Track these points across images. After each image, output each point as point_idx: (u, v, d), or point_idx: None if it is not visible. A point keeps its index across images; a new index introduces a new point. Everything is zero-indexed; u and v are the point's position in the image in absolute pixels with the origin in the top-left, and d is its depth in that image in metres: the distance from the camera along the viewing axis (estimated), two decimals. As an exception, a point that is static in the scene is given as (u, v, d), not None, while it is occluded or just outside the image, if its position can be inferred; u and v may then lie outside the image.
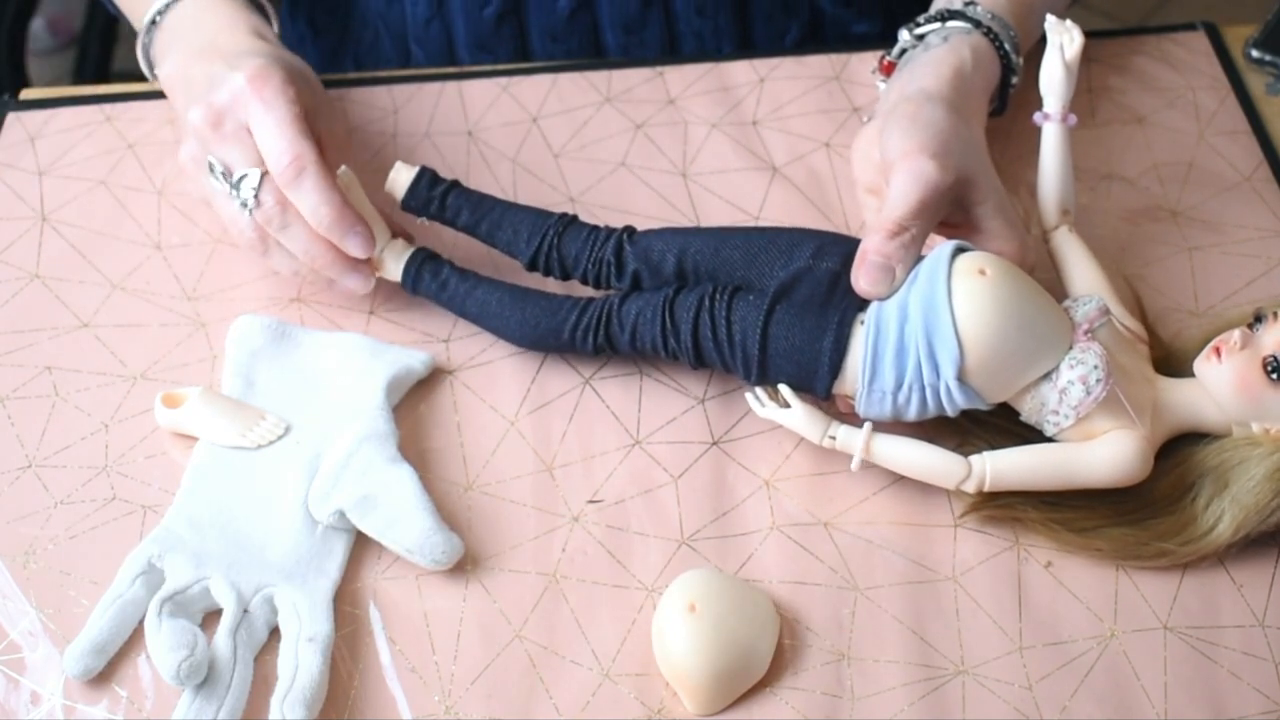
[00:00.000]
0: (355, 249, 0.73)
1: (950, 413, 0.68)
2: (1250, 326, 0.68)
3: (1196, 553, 0.67)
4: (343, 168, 0.73)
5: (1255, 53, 0.92)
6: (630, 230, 0.75)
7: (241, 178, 0.73)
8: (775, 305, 0.69)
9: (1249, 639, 0.66)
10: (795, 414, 0.70)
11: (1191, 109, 0.90)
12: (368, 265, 0.75)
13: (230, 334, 0.75)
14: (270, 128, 0.72)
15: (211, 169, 0.74)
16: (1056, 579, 0.68)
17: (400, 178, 0.76)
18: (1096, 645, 0.66)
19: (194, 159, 0.75)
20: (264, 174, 0.72)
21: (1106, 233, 0.83)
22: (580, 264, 0.75)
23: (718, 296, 0.71)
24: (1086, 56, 0.91)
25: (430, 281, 0.75)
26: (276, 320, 0.76)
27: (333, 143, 0.77)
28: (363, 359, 0.74)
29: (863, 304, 0.69)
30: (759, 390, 0.71)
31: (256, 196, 0.72)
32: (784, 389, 0.70)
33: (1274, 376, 0.67)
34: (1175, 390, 0.70)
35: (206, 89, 0.74)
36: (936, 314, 0.66)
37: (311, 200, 0.71)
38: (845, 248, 0.71)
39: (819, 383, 0.69)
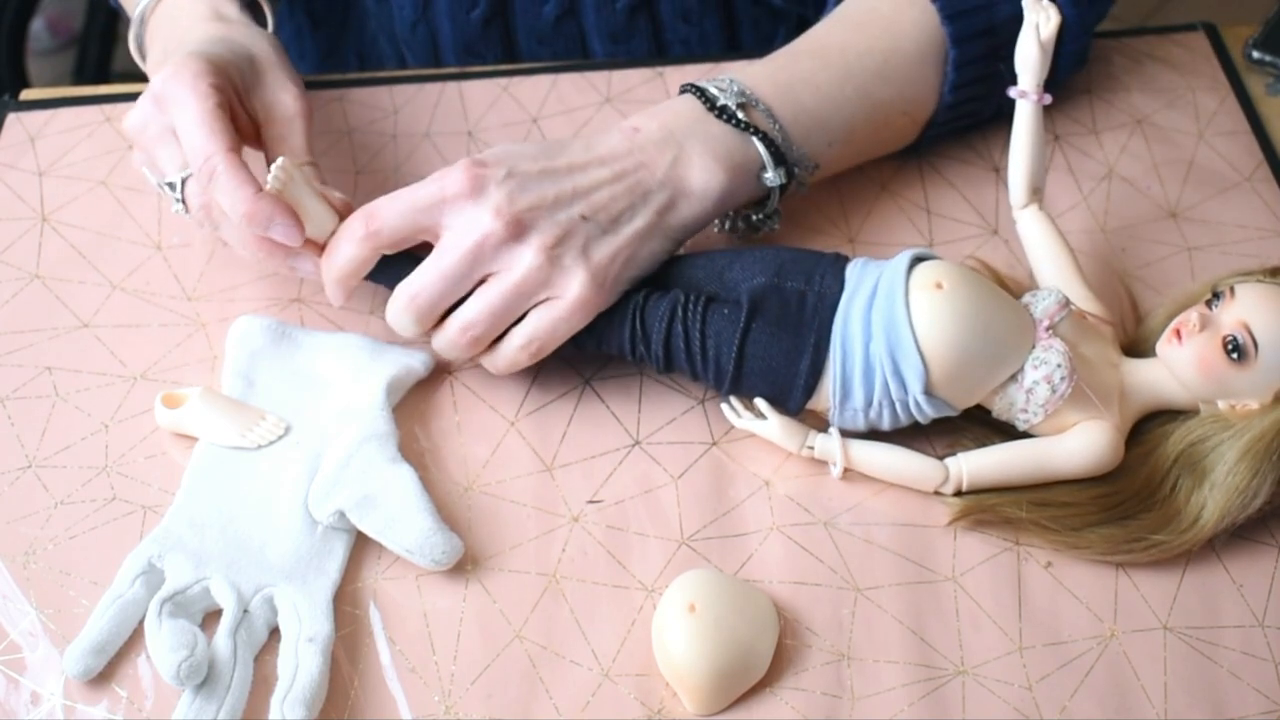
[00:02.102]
0: (281, 237, 0.70)
1: (922, 422, 0.70)
2: (1208, 304, 0.69)
3: (1186, 544, 0.67)
4: (279, 160, 0.70)
5: (1255, 53, 0.92)
6: None
7: (170, 183, 0.73)
8: (751, 322, 0.69)
9: (1249, 639, 0.66)
10: (771, 425, 0.70)
11: (1191, 109, 0.90)
12: (313, 250, 0.72)
13: (231, 334, 0.75)
14: (185, 127, 0.71)
15: (149, 175, 0.75)
16: (1056, 579, 0.68)
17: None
18: (1096, 645, 0.66)
19: (139, 164, 0.76)
20: (185, 178, 0.72)
21: (1106, 233, 0.83)
22: None
23: (691, 305, 0.70)
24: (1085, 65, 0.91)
25: (380, 269, 0.72)
26: (277, 321, 0.76)
27: (277, 115, 0.76)
28: (363, 359, 0.74)
29: (832, 323, 0.69)
30: (734, 400, 0.72)
31: (183, 201, 0.73)
32: (760, 402, 0.71)
33: (1234, 356, 0.67)
34: (1140, 372, 0.71)
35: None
36: (897, 332, 0.67)
37: (226, 199, 0.70)
38: (807, 266, 0.71)
39: (792, 403, 0.70)
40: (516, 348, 0.71)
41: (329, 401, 0.73)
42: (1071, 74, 0.89)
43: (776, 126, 0.76)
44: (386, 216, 0.70)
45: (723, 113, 0.75)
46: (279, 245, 0.72)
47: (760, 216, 0.79)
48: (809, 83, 0.78)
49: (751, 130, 0.75)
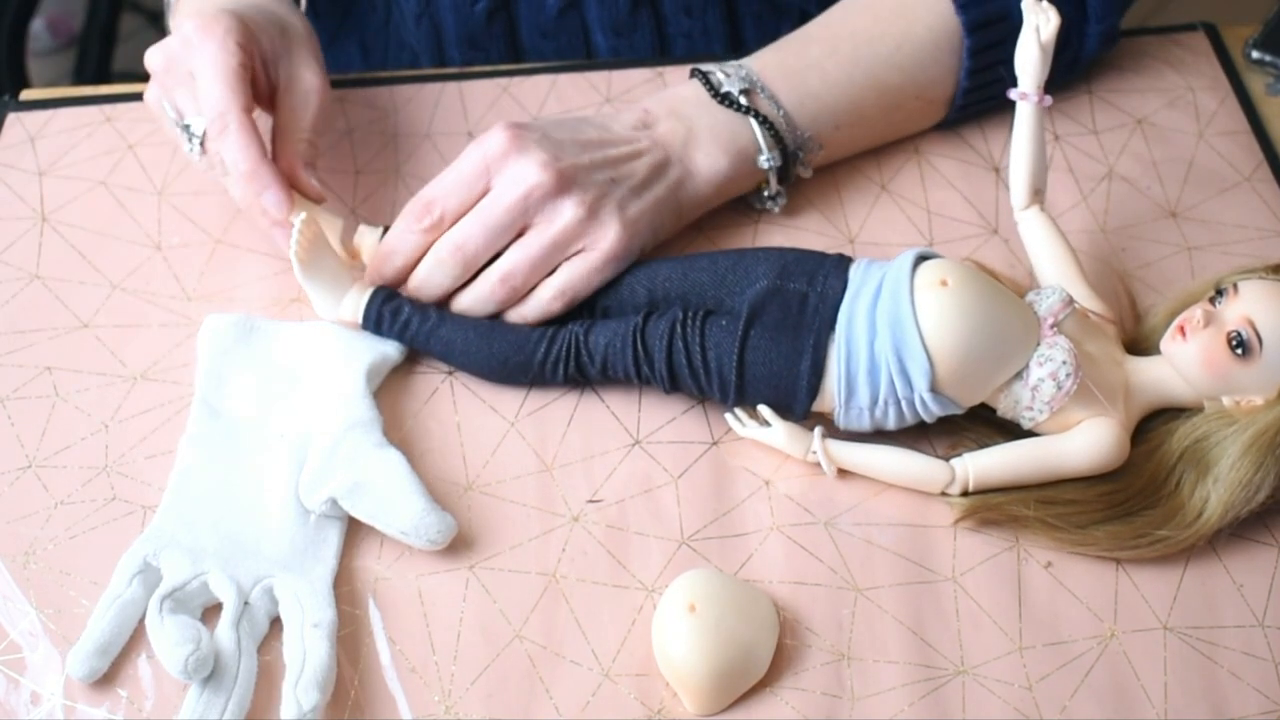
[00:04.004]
0: (268, 205, 0.74)
1: (928, 420, 0.70)
2: (1211, 301, 0.69)
3: (1191, 538, 0.68)
4: (316, 216, 0.74)
5: (1255, 53, 0.92)
6: None
7: (188, 125, 0.76)
8: (749, 330, 0.69)
9: (1249, 639, 0.66)
10: (776, 432, 0.71)
11: (1191, 109, 0.90)
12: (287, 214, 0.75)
13: (200, 336, 0.75)
14: (204, 79, 0.74)
15: (168, 112, 0.77)
16: (1056, 579, 0.68)
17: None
18: (1096, 645, 0.66)
19: (154, 101, 0.78)
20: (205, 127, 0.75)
21: (1106, 233, 0.83)
22: None
23: (689, 321, 0.71)
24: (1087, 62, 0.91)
25: (391, 323, 0.74)
26: (243, 316, 0.76)
27: (297, 88, 0.78)
28: (336, 347, 0.74)
29: (834, 323, 0.69)
30: (738, 410, 0.72)
31: (202, 144, 0.75)
32: (764, 409, 0.71)
33: (1239, 352, 0.67)
34: (1145, 370, 0.71)
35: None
36: (903, 329, 0.67)
37: (230, 155, 0.73)
38: (810, 266, 0.71)
39: (797, 405, 0.70)
40: (549, 299, 0.74)
41: (306, 391, 0.73)
42: (1101, 52, 0.89)
43: (780, 112, 0.80)
44: (443, 201, 0.74)
45: (725, 99, 0.79)
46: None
47: (767, 195, 0.82)
48: (816, 68, 0.81)
49: (749, 112, 0.79)
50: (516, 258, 0.73)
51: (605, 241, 0.73)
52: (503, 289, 0.73)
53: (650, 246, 0.77)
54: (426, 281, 0.74)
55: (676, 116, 0.79)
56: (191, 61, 0.75)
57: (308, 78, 0.79)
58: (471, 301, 0.74)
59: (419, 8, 0.98)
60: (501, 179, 0.73)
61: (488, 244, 0.73)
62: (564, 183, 0.73)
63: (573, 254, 0.74)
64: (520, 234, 0.74)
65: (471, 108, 0.89)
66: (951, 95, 0.85)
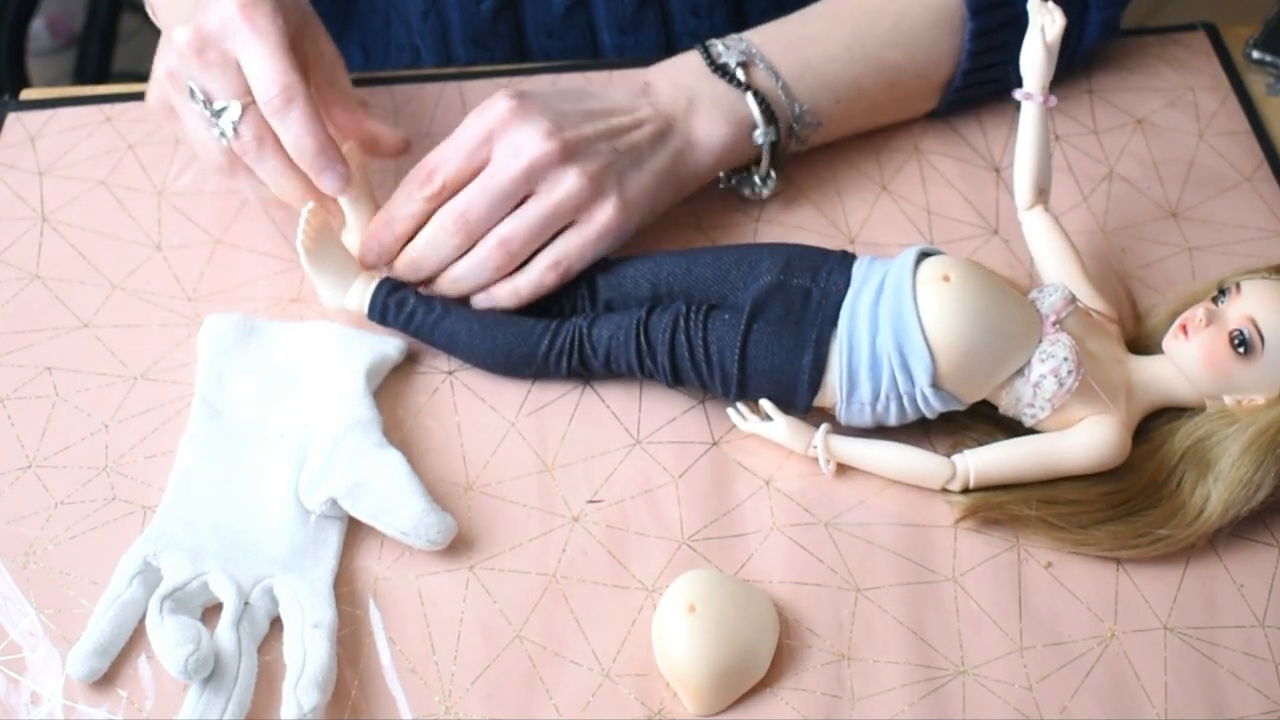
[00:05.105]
0: (329, 185, 0.72)
1: (929, 416, 0.70)
2: (1214, 300, 0.69)
3: (1191, 537, 0.68)
4: (361, 196, 0.74)
5: (1255, 53, 0.92)
6: (603, 260, 0.76)
7: (222, 109, 0.72)
8: (752, 324, 0.70)
9: (1249, 639, 0.66)
10: (778, 426, 0.71)
11: (1191, 109, 0.90)
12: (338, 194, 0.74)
13: (200, 335, 0.75)
14: (260, 56, 0.71)
15: (192, 93, 0.73)
16: (1056, 579, 0.68)
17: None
18: (1096, 645, 0.66)
19: (172, 76, 0.74)
20: (245, 107, 0.72)
21: (1106, 233, 0.83)
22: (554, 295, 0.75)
23: (692, 315, 0.71)
24: (1087, 56, 0.91)
25: (396, 313, 0.74)
26: (244, 316, 0.76)
27: (322, 64, 0.77)
28: (336, 347, 0.74)
29: (836, 318, 0.69)
30: (740, 405, 0.72)
31: (235, 129, 0.72)
32: (765, 403, 0.71)
33: (1240, 351, 0.67)
34: (1146, 369, 0.71)
35: (193, 8, 0.74)
36: (905, 324, 0.67)
37: (295, 132, 0.71)
38: (814, 261, 0.72)
39: (799, 399, 0.70)
40: (545, 268, 0.74)
41: (307, 391, 0.73)
42: (1101, 42, 0.89)
43: (779, 83, 0.80)
44: (444, 168, 0.74)
45: (722, 70, 0.80)
46: (308, 190, 0.74)
47: (758, 176, 0.82)
48: (816, 42, 0.82)
49: (745, 88, 0.79)
50: (516, 224, 0.73)
51: (603, 214, 0.74)
52: (500, 253, 0.73)
53: (649, 221, 0.77)
54: (427, 250, 0.74)
55: (677, 85, 0.79)
56: (236, 41, 0.71)
57: (328, 49, 0.78)
58: (468, 268, 0.74)
59: (425, 4, 0.98)
60: (504, 147, 0.73)
61: (490, 212, 0.73)
62: (567, 152, 0.73)
63: (570, 225, 0.74)
64: (522, 203, 0.74)
65: (471, 107, 0.89)
66: (950, 77, 0.85)
